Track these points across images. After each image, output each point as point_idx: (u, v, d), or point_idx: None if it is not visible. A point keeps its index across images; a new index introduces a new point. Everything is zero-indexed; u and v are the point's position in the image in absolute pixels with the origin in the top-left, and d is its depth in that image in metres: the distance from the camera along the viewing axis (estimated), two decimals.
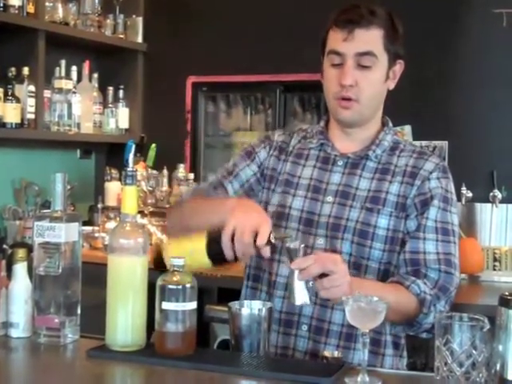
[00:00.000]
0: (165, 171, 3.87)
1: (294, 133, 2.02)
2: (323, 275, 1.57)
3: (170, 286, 1.56)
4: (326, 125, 1.97)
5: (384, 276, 1.82)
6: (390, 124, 1.95)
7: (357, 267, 1.80)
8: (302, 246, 1.58)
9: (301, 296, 1.57)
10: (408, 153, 1.90)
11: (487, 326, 1.43)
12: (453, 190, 1.88)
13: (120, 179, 3.83)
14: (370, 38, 1.81)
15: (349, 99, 1.82)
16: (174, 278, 1.57)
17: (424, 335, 1.81)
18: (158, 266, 1.92)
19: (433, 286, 1.77)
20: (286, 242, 1.60)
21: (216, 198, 1.89)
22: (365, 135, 1.91)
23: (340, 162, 1.90)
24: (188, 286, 1.57)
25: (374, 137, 1.91)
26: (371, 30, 1.80)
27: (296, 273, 1.57)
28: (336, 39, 1.82)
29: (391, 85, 1.90)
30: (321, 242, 1.83)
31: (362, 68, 1.81)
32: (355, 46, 1.80)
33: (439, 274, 1.78)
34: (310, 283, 1.60)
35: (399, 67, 1.89)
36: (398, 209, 1.83)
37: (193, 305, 1.58)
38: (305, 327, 1.82)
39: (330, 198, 1.86)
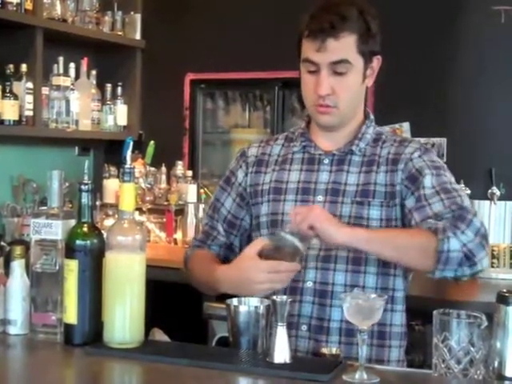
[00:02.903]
0: (163, 168, 3.87)
1: (275, 139, 2.02)
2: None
3: None
4: (308, 125, 1.96)
5: (384, 267, 1.83)
6: (372, 116, 1.95)
7: (356, 261, 1.80)
8: (289, 300, 1.54)
9: (282, 354, 1.52)
10: (390, 142, 1.90)
11: (485, 323, 1.43)
12: (440, 160, 1.87)
13: (118, 176, 3.83)
14: (343, 46, 1.79)
15: (327, 106, 1.83)
16: None
17: (468, 272, 1.72)
18: None
19: (446, 221, 1.71)
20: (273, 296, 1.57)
21: (207, 267, 1.90)
22: (347, 131, 1.91)
23: (326, 161, 1.90)
24: None
25: (356, 131, 1.91)
26: (343, 38, 1.78)
27: (279, 328, 1.52)
28: (309, 49, 1.81)
29: (370, 82, 1.89)
30: (315, 241, 1.82)
31: (337, 74, 1.81)
32: (328, 56, 1.79)
33: (452, 213, 1.73)
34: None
35: (377, 62, 1.88)
36: (388, 198, 1.83)
37: None
38: (304, 327, 1.82)
39: (320, 198, 1.86)
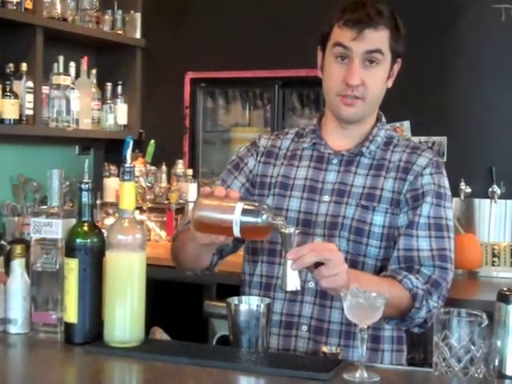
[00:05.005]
0: (163, 167, 3.88)
1: (286, 133, 2.01)
2: (319, 264, 1.56)
3: None
4: (319, 122, 1.96)
5: (381, 272, 1.82)
6: (384, 119, 1.95)
7: (354, 264, 1.79)
8: (297, 231, 1.57)
9: (292, 282, 1.55)
10: (402, 147, 1.89)
11: (485, 322, 1.43)
12: (447, 185, 1.87)
13: (119, 175, 3.82)
14: (379, 38, 1.80)
15: (354, 97, 1.81)
16: None
17: (416, 330, 1.82)
18: None
19: (425, 281, 1.76)
20: (281, 228, 1.57)
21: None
22: (361, 131, 1.90)
23: (335, 161, 1.89)
24: None
25: (368, 132, 1.90)
26: (380, 31, 1.80)
27: (289, 260, 1.55)
28: (343, 36, 1.80)
29: (390, 83, 1.90)
30: (318, 241, 1.82)
31: (368, 67, 1.80)
32: (365, 44, 1.79)
33: (433, 270, 1.78)
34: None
35: (397, 65, 1.90)
36: (393, 205, 1.83)
37: None
38: (304, 328, 1.82)
39: (326, 198, 1.86)
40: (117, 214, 3.26)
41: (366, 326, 1.47)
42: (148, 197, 3.82)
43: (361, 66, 1.80)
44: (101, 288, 1.63)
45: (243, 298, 1.68)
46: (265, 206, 1.58)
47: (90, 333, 1.63)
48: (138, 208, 3.53)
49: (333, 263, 1.56)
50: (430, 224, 1.81)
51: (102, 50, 4.05)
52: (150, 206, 3.82)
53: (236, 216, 1.55)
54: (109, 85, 3.96)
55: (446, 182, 1.87)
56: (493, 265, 3.25)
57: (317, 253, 1.55)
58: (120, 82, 4.02)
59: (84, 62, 3.79)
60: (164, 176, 3.88)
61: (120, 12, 4.03)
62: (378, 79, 1.83)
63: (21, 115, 3.38)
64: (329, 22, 1.84)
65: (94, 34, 3.82)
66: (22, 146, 3.69)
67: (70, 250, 1.64)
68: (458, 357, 1.41)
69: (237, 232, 1.57)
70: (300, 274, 1.57)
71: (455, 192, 3.27)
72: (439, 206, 1.83)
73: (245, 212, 1.56)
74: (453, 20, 3.44)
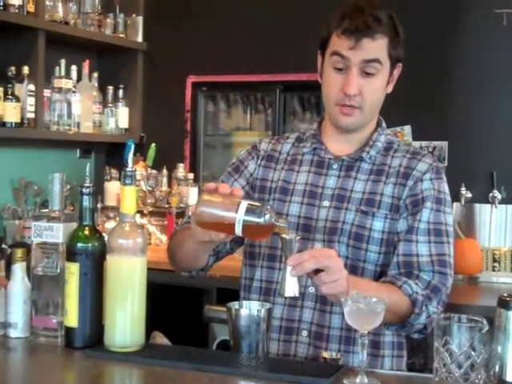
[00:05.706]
0: (164, 171, 3.88)
1: (286, 137, 2.01)
2: (319, 270, 1.55)
3: None
4: (320, 126, 1.96)
5: (381, 278, 1.82)
6: (384, 124, 1.95)
7: (353, 270, 1.79)
8: (298, 237, 1.57)
9: (291, 288, 1.55)
10: (402, 153, 1.89)
11: (486, 328, 1.42)
12: (446, 191, 1.87)
13: (120, 179, 3.83)
14: (377, 47, 1.79)
15: (352, 107, 1.81)
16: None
17: (416, 336, 1.82)
18: None
19: (425, 287, 1.76)
20: (283, 233, 1.56)
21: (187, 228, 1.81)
22: (360, 137, 1.90)
23: (335, 166, 1.89)
24: None
25: (368, 138, 1.90)
26: (377, 40, 1.78)
27: (289, 266, 1.55)
28: (341, 45, 1.79)
29: (390, 88, 1.89)
30: (318, 246, 1.82)
31: (366, 75, 1.80)
32: (362, 54, 1.78)
33: (433, 275, 1.78)
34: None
35: (397, 70, 1.89)
36: (393, 211, 1.83)
37: None
38: (305, 333, 1.82)
39: (326, 203, 1.85)
40: (118, 218, 3.27)
41: (366, 332, 1.47)
42: (149, 201, 3.82)
43: (358, 76, 1.79)
44: (101, 292, 1.63)
45: (244, 302, 1.68)
46: (268, 207, 1.57)
47: (91, 337, 1.63)
48: (138, 212, 3.54)
49: (332, 269, 1.56)
50: (429, 229, 1.81)
51: (103, 53, 4.06)
52: (150, 209, 3.82)
53: (239, 214, 1.55)
54: (110, 88, 3.96)
55: (445, 188, 1.87)
56: (493, 270, 3.25)
57: (316, 260, 1.55)
58: (121, 86, 4.02)
59: (86, 65, 3.79)
60: (165, 180, 3.88)
61: (122, 15, 4.03)
62: (375, 88, 1.82)
63: (22, 118, 3.39)
64: (328, 27, 1.84)
65: (95, 38, 3.83)
66: (23, 150, 3.69)
67: (71, 254, 1.64)
68: (458, 362, 1.41)
69: (238, 231, 1.56)
70: (299, 280, 1.57)
71: (456, 197, 3.28)
72: (439, 211, 1.83)
73: (248, 211, 1.55)
74: (454, 24, 3.44)
